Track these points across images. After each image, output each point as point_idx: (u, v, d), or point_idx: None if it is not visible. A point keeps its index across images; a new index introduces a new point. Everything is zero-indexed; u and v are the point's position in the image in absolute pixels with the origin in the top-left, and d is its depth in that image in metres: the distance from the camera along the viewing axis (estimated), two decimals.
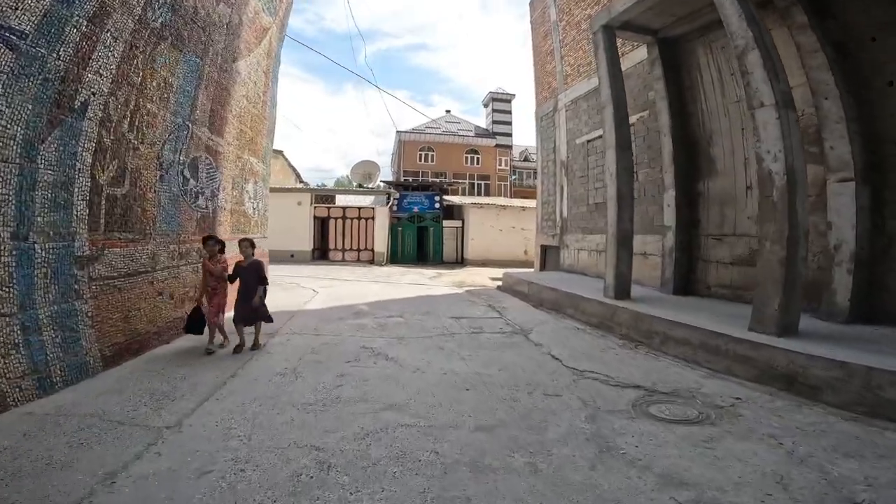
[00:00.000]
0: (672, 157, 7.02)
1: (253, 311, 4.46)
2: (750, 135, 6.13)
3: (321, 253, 17.60)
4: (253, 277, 4.48)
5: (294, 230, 16.79)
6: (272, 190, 18.96)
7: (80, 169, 3.37)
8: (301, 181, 27.69)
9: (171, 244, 4.76)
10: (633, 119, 8.49)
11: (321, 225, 17.56)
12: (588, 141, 10.17)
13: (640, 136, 8.45)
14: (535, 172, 37.63)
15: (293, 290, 8.79)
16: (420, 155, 31.32)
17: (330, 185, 31.06)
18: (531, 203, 21.47)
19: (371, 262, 16.98)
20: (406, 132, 30.65)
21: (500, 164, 32.89)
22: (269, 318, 4.63)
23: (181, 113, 4.69)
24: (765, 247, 4.43)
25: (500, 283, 11.26)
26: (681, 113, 7.24)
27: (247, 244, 4.51)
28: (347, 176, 22.79)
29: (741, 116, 6.32)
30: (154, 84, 4.20)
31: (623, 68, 8.83)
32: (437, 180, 22.19)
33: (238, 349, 4.43)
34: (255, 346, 4.55)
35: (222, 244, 4.55)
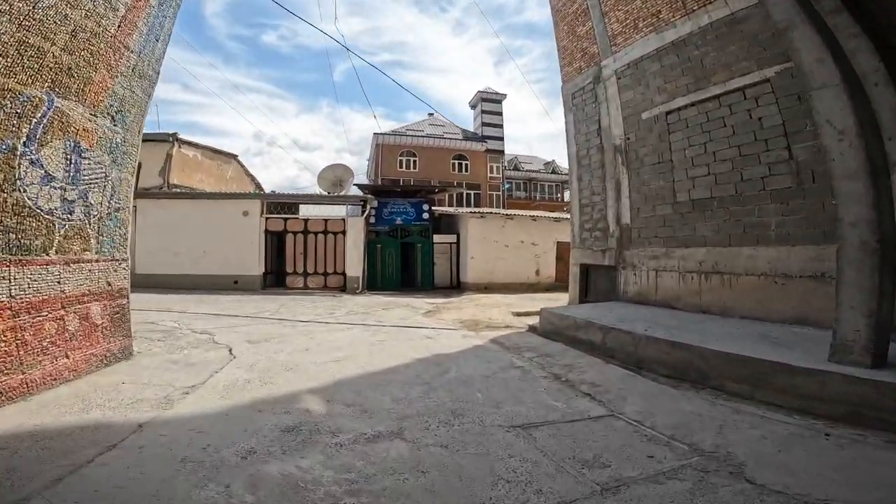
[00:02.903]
0: None
1: None
2: None
3: (276, 278, 13.77)
4: None
5: (238, 249, 12.96)
6: (207, 196, 15.06)
7: None
8: (261, 191, 23.81)
9: None
10: (762, 75, 5.63)
11: (276, 242, 13.78)
12: (667, 112, 6.96)
13: (786, 95, 5.36)
14: (525, 184, 34.80)
15: (192, 351, 5.01)
16: (401, 161, 27.85)
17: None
18: (543, 213, 18.31)
19: (342, 289, 13.25)
20: (385, 134, 27.21)
21: (491, 172, 29.76)
22: None
23: None
24: None
25: (532, 321, 7.77)
26: None
27: None
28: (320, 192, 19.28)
29: None
30: None
31: (730, 10, 5.89)
32: (427, 185, 18.71)
33: None
34: None
35: None
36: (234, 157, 23.32)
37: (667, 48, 7.06)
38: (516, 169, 37.01)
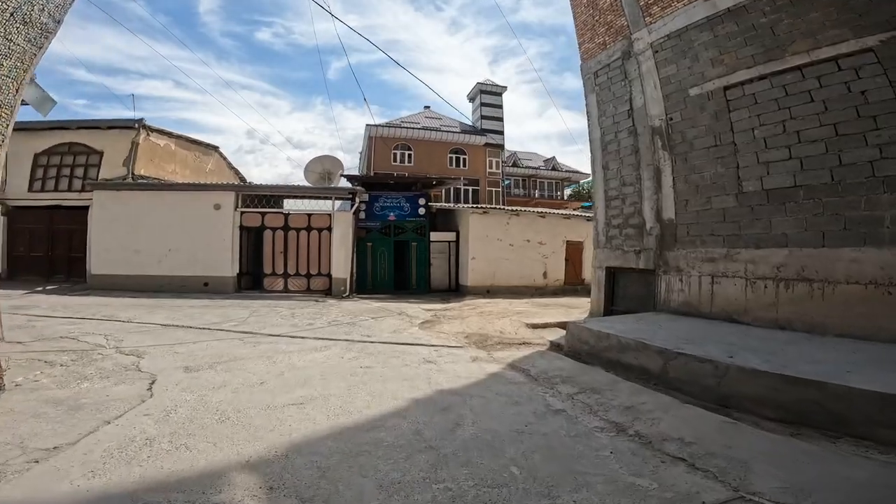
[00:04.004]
0: None
1: None
2: None
3: (253, 280, 12.35)
4: None
5: (208, 247, 11.53)
6: (173, 187, 12.04)
7: None
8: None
9: None
10: (862, 44, 4.51)
11: (253, 239, 12.36)
12: (726, 87, 5.74)
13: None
14: (524, 181, 33.53)
15: (95, 384, 3.61)
16: (395, 154, 26.39)
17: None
18: (551, 210, 17.06)
19: (327, 292, 11.86)
20: (378, 126, 25.73)
21: (490, 167, 28.40)
22: None
23: None
24: None
25: (552, 336, 6.49)
26: None
27: None
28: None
29: None
30: None
31: None
32: (424, 176, 17.32)
33: None
34: None
35: None
36: (215, 148, 21.80)
37: (721, 16, 5.91)
38: (515, 165, 35.76)
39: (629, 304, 7.35)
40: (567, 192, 41.01)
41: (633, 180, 7.20)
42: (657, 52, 6.92)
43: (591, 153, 8.42)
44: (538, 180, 37.43)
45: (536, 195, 36.26)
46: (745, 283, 5.23)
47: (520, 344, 6.17)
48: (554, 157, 39.94)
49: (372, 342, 5.88)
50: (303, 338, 6.05)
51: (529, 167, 37.32)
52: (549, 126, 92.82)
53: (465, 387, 3.93)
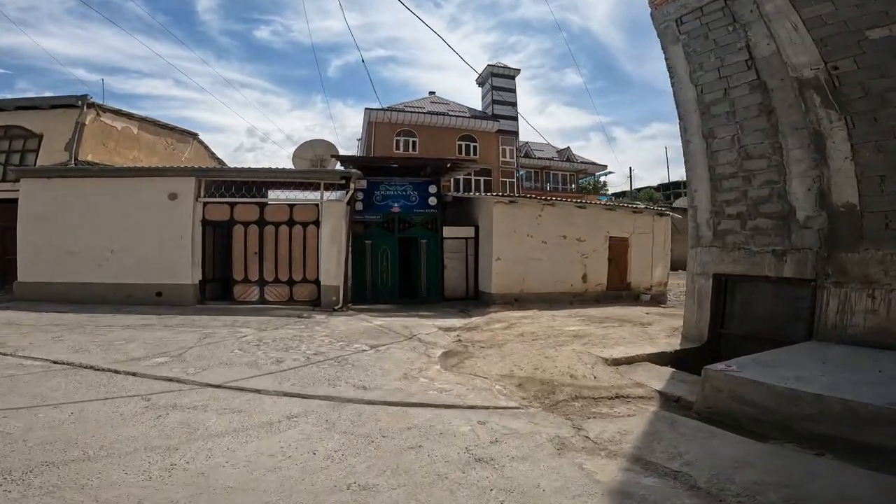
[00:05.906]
0: None
1: None
2: None
3: (221, 288, 10.10)
4: None
5: (162, 247, 9.31)
6: (115, 173, 9.11)
7: None
8: None
9: None
10: None
11: (222, 237, 10.10)
12: None
13: None
14: (536, 173, 31.18)
15: None
16: (398, 142, 24.04)
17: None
18: (592, 201, 14.74)
19: (314, 303, 9.61)
20: (378, 110, 23.39)
21: (503, 156, 26.09)
22: None
23: None
24: None
25: (653, 381, 4.24)
26: None
27: None
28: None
29: None
30: None
31: None
32: (436, 158, 14.98)
33: None
34: None
35: None
36: (194, 135, 19.48)
37: None
38: (527, 156, 33.51)
39: (753, 327, 5.11)
40: (584, 179, 39.06)
41: (767, 150, 4.95)
42: None
43: (681, 119, 6.20)
44: (551, 172, 35.30)
45: (549, 187, 34.18)
46: None
47: (611, 398, 3.91)
48: (568, 148, 37.77)
49: (370, 403, 3.62)
50: (257, 392, 3.79)
51: (542, 158, 35.11)
52: (549, 122, 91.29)
53: None
